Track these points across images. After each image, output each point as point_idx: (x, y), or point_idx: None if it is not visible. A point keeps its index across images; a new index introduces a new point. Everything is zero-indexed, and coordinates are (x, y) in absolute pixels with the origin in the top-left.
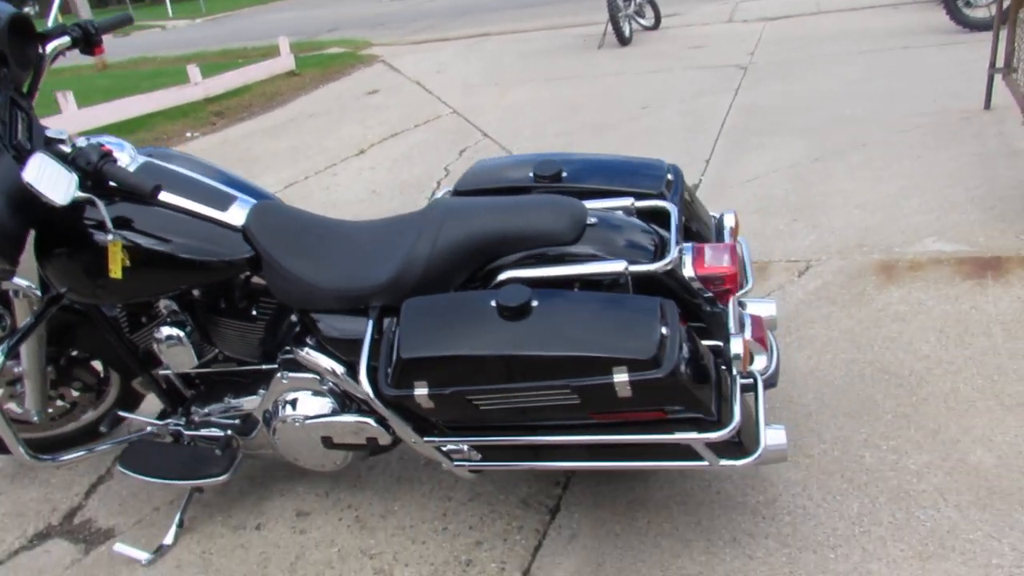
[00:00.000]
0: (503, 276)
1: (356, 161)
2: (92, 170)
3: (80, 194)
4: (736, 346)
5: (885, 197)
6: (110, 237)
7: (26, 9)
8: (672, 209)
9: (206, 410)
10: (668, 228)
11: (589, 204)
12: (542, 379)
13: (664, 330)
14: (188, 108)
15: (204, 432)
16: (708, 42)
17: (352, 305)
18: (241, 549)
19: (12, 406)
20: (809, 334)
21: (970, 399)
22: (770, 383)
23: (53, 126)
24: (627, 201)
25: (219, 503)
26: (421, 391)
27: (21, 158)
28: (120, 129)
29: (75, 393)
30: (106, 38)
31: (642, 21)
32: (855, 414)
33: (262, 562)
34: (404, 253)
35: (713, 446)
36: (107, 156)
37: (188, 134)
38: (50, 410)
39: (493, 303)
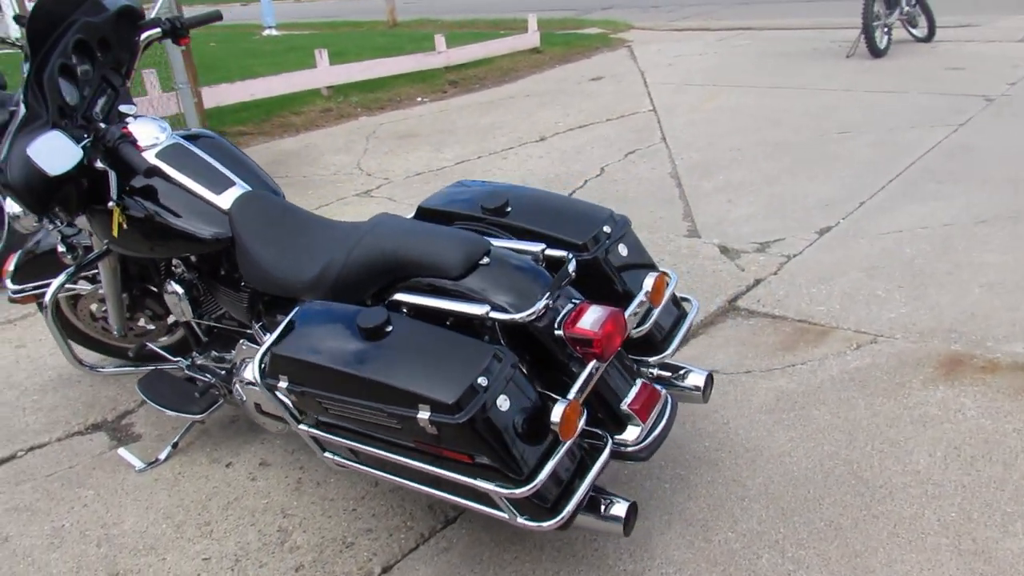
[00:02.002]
0: (395, 296)
1: (532, 147)
2: (110, 147)
3: (99, 165)
4: (556, 412)
5: None
6: (110, 203)
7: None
8: (569, 263)
9: (205, 357)
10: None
11: (504, 244)
12: (369, 399)
13: (480, 379)
14: (428, 74)
15: (197, 375)
16: (972, 63)
17: (288, 294)
18: (204, 479)
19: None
20: (811, 415)
21: (925, 531)
22: (637, 456)
23: (310, 78)
24: (538, 247)
25: (217, 436)
26: (283, 384)
27: (90, 129)
28: (363, 86)
29: (141, 321)
30: None
31: (914, 31)
32: (788, 512)
33: (211, 495)
34: (328, 259)
35: (515, 502)
36: (124, 137)
37: (419, 99)
38: (132, 330)
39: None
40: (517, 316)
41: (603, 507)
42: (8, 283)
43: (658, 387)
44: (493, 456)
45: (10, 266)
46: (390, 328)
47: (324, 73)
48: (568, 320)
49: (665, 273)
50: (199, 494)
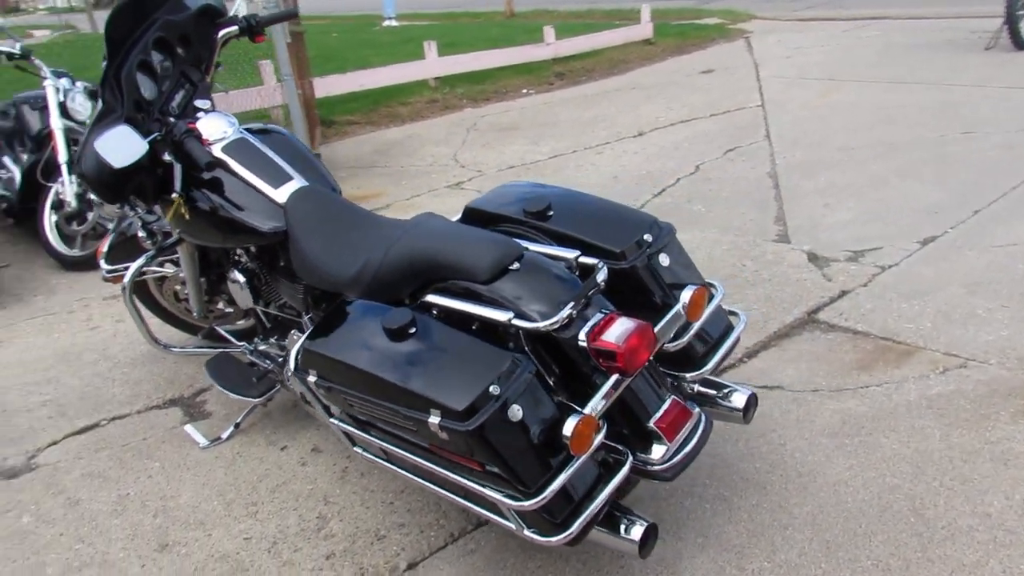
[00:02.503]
0: (427, 297)
1: (629, 143)
2: (176, 140)
3: (166, 158)
4: (568, 426)
5: None
6: (174, 194)
7: None
8: (599, 271)
9: (267, 344)
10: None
11: (540, 249)
12: (387, 400)
13: (493, 387)
14: (535, 66)
15: (258, 361)
16: None
17: (332, 289)
18: (259, 460)
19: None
20: (878, 442)
21: None
22: (661, 476)
23: (418, 69)
24: (572, 254)
25: (278, 420)
26: (312, 378)
27: (163, 123)
28: (470, 78)
29: (220, 304)
30: None
31: None
32: (834, 545)
33: (263, 476)
34: (368, 257)
35: (522, 513)
36: (190, 132)
37: (524, 91)
38: (211, 312)
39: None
40: (541, 325)
41: (623, 526)
42: (102, 263)
43: (691, 405)
44: (501, 466)
45: (104, 247)
46: (413, 330)
47: (432, 64)
48: (594, 331)
49: (711, 285)
50: (252, 475)
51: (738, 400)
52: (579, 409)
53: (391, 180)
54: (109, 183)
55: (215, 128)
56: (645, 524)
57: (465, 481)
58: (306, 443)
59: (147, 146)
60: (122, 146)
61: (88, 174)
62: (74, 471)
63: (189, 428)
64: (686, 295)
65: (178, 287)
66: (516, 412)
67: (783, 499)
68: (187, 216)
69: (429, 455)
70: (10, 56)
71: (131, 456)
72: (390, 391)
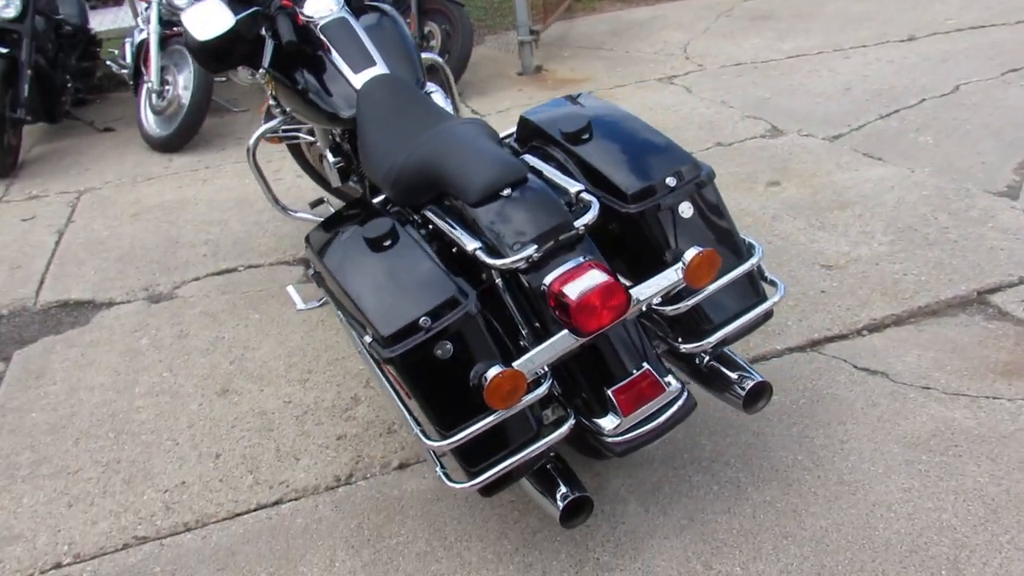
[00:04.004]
0: (426, 211)
1: (890, 48)
2: (270, 16)
3: (263, 32)
4: (487, 376)
5: None
6: (260, 70)
7: None
8: (586, 211)
9: None
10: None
11: (553, 177)
12: (344, 309)
13: (424, 319)
14: None
15: None
16: None
17: (374, 182)
18: (334, 332)
19: None
20: (961, 468)
21: None
22: (610, 449)
23: None
24: (575, 187)
25: None
26: (310, 270)
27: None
28: None
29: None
30: None
31: None
32: (828, 573)
33: (329, 347)
34: (397, 159)
35: (435, 452)
36: (283, 8)
37: None
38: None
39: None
40: (499, 261)
41: (558, 492)
42: (263, 120)
43: (669, 382)
44: (420, 400)
45: (264, 108)
46: (388, 243)
47: None
48: (560, 278)
49: (750, 246)
50: (321, 344)
51: (742, 386)
52: (503, 363)
53: (606, 66)
54: (201, 54)
55: (319, 6)
56: (575, 496)
57: (398, 404)
58: None
59: (233, 21)
60: (208, 19)
61: (189, 44)
62: (196, 307)
63: (291, 289)
64: (688, 256)
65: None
66: (446, 349)
67: (802, 504)
68: (273, 92)
69: (380, 369)
70: None
71: (243, 303)
72: (346, 301)
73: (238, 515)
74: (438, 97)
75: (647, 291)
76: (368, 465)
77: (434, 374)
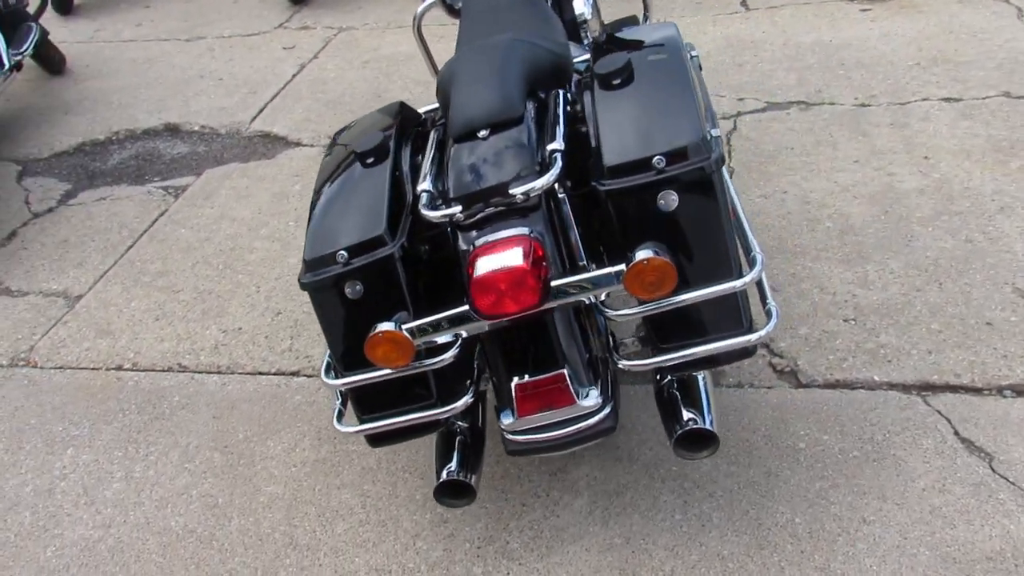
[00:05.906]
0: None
1: None
2: None
3: None
4: (374, 330)
5: None
6: None
7: None
8: (547, 172)
9: None
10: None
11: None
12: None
13: (341, 253)
14: None
15: None
16: None
17: None
18: None
19: None
20: None
21: None
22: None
23: None
24: (555, 145)
25: None
26: None
27: None
28: None
29: None
30: None
31: None
32: None
33: None
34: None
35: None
36: None
37: None
38: None
39: None
40: (428, 212)
41: (447, 466)
42: None
43: (580, 393)
44: (324, 332)
45: None
46: (371, 160)
47: None
48: (482, 247)
49: (750, 254)
50: None
51: (681, 425)
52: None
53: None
54: None
55: None
56: (454, 478)
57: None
58: None
59: None
60: None
61: None
62: None
63: None
64: (634, 259)
65: None
66: (356, 289)
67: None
68: None
69: None
70: None
71: None
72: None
73: (259, 374)
74: None
75: (573, 288)
76: None
77: (339, 312)
